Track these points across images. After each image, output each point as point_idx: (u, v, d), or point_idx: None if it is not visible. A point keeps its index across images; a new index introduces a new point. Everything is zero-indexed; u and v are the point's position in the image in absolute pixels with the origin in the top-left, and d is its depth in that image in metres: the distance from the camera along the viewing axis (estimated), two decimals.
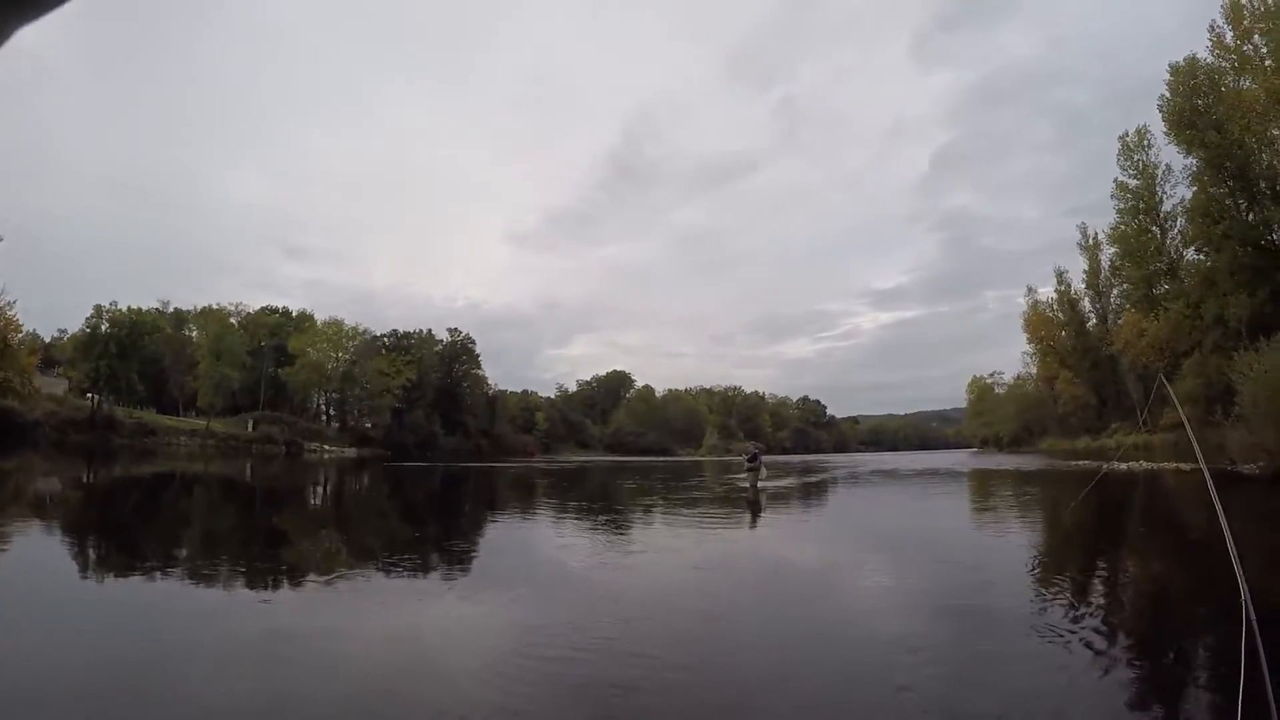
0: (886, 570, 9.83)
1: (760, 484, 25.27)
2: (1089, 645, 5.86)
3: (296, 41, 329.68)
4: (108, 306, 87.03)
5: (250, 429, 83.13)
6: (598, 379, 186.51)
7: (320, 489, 28.02)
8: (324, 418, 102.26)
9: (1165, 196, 56.02)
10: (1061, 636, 6.12)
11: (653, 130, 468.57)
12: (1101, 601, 7.63)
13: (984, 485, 28.40)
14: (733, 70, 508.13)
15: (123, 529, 14.19)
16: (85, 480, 27.10)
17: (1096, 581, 8.90)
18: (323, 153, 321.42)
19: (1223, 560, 10.04)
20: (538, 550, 12.14)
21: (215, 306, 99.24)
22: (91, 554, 11.18)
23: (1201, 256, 49.86)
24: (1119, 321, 66.94)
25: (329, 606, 7.47)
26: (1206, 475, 3.50)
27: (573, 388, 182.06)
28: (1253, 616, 2.57)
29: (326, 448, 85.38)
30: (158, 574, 9.20)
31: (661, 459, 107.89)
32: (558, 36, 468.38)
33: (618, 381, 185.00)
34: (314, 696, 4.75)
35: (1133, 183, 57.39)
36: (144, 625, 6.61)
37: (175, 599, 7.72)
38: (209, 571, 9.55)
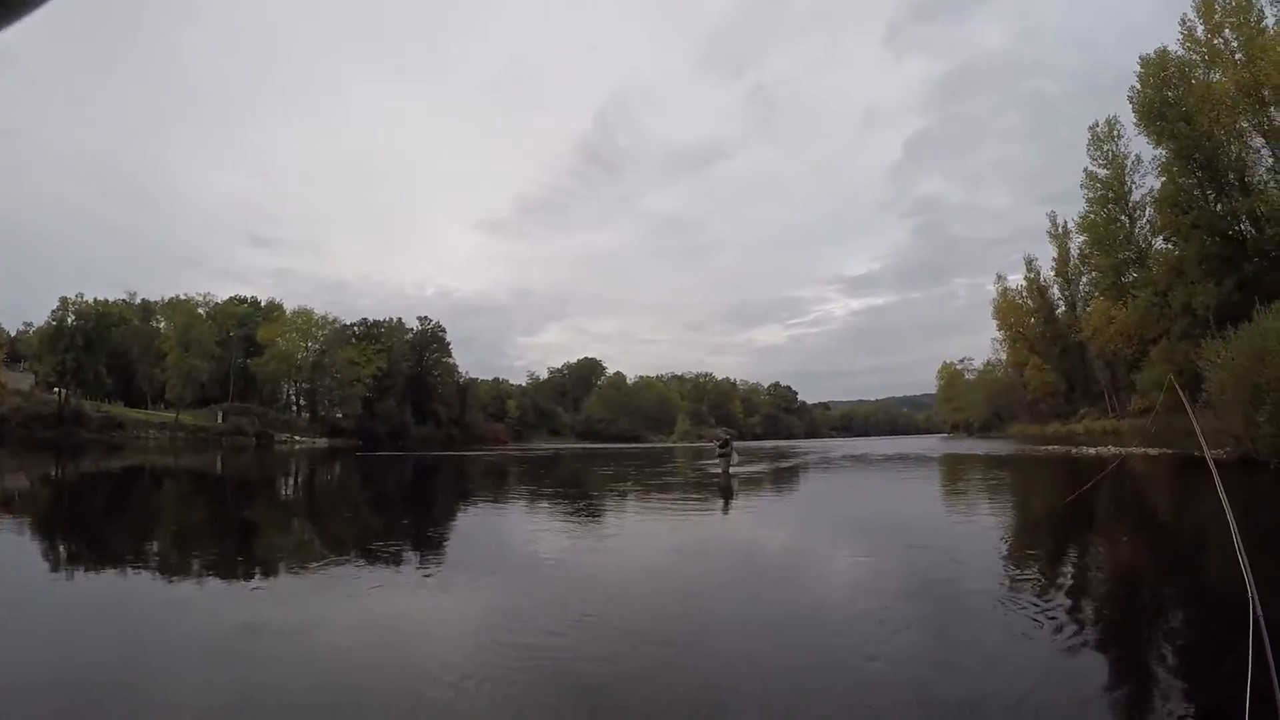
0: (858, 553, 9.89)
1: (732, 469, 25.40)
2: (1059, 620, 5.97)
3: (265, 30, 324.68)
4: (74, 298, 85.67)
5: (220, 421, 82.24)
6: (569, 366, 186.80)
7: (292, 480, 27.68)
8: (294, 408, 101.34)
9: (1134, 186, 56.66)
10: (1031, 611, 6.23)
11: (626, 118, 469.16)
12: (1071, 582, 7.70)
13: (955, 470, 28.62)
14: (705, 58, 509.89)
15: (93, 524, 13.92)
16: (54, 476, 26.62)
17: (1068, 563, 8.95)
18: (291, 141, 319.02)
19: (1192, 542, 10.23)
20: (515, 536, 12.11)
21: (183, 297, 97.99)
22: (62, 550, 10.95)
23: (1170, 246, 50.43)
24: (1087, 309, 67.90)
25: (307, 598, 7.37)
26: (1213, 469, 3.47)
27: (544, 375, 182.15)
28: (1260, 613, 2.52)
29: (297, 438, 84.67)
30: (129, 569, 9.04)
31: (633, 446, 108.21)
32: (531, 25, 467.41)
33: (589, 369, 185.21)
34: (291, 687, 4.67)
35: (1102, 172, 57.98)
36: (116, 620, 6.46)
37: (147, 593, 7.57)
38: (181, 565, 9.39)
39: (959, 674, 4.83)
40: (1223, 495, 3.21)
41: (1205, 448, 3.72)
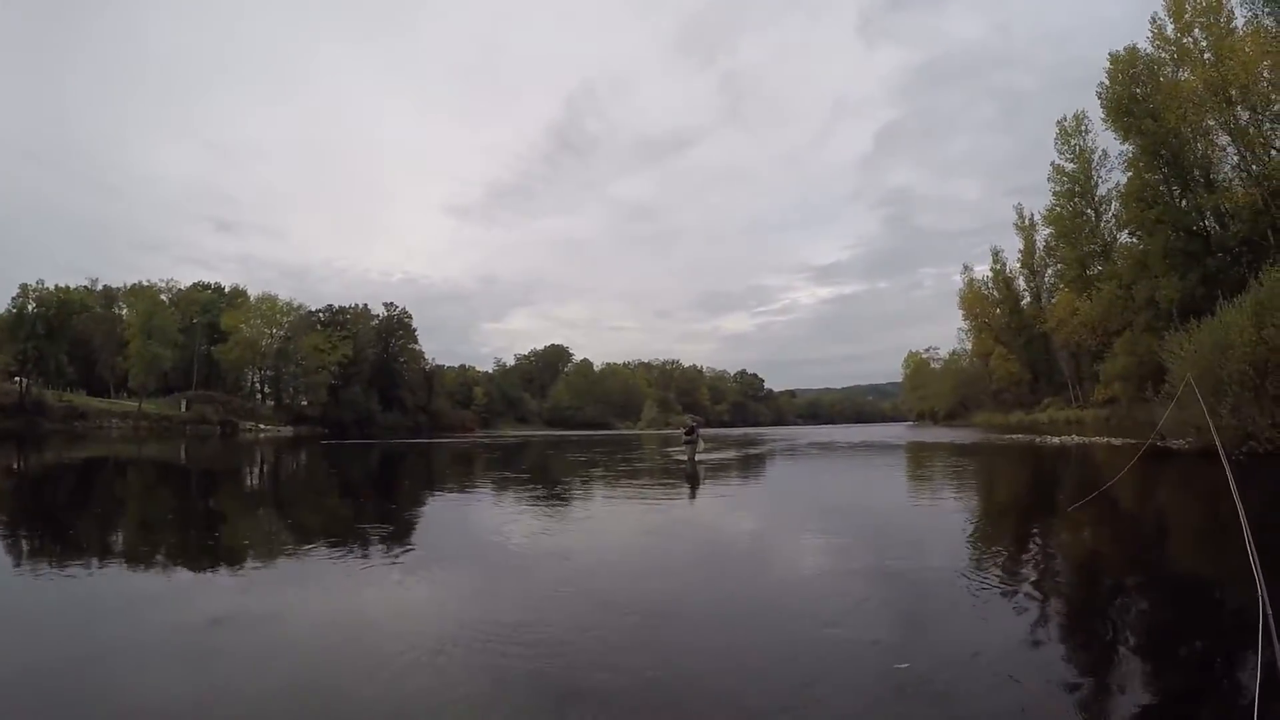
0: (818, 535, 10.06)
1: (698, 456, 25.48)
2: (1009, 598, 6.24)
3: (227, 7, 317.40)
4: (34, 285, 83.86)
5: (184, 409, 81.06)
6: (536, 353, 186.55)
7: (257, 470, 27.31)
8: (259, 396, 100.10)
9: (1100, 180, 57.41)
10: (987, 589, 6.51)
11: (596, 104, 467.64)
12: (1028, 569, 7.75)
13: (920, 458, 28.87)
14: (676, 46, 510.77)
15: (58, 517, 13.61)
16: (15, 468, 26.01)
17: (1029, 550, 9.03)
18: (254, 124, 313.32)
19: (1154, 529, 10.32)
20: (489, 521, 12.09)
21: (146, 283, 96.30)
22: (25, 545, 10.64)
23: (1134, 240, 51.08)
24: (1052, 300, 68.97)
25: (279, 587, 7.23)
26: (1227, 466, 3.46)
27: (511, 362, 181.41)
28: (1268, 611, 2.49)
29: (262, 427, 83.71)
30: (94, 562, 8.80)
31: (601, 433, 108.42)
32: (502, 8, 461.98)
33: (556, 355, 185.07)
34: (265, 676, 4.53)
35: (1069, 166, 58.62)
36: (78, 617, 6.26)
37: (110, 588, 7.36)
38: (149, 559, 9.20)
39: (905, 630, 5.26)
40: (1236, 497, 3.19)
41: (1219, 443, 3.71)
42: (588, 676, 4.43)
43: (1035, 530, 10.55)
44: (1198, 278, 41.72)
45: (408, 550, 9.07)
